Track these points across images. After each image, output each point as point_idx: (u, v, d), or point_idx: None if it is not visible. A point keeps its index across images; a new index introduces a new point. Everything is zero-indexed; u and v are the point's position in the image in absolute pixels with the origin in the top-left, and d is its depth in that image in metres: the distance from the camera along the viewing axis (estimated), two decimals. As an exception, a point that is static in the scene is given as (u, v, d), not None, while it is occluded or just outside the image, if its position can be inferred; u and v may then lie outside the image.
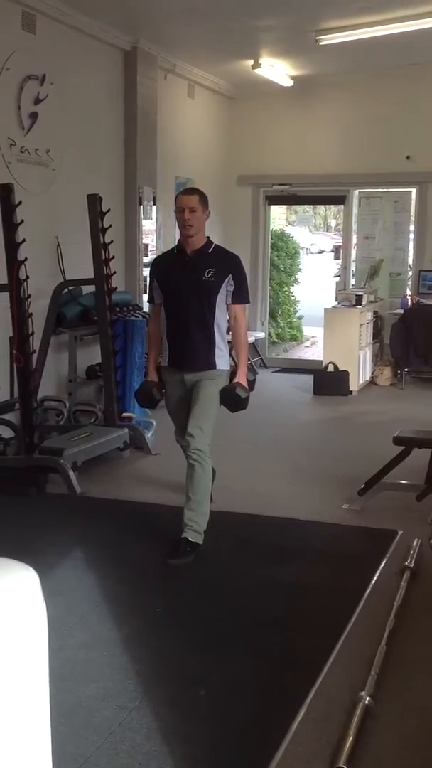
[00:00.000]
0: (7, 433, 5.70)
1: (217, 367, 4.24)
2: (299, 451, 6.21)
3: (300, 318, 12.69)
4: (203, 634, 3.27)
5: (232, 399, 4.22)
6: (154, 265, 4.68)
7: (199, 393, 4.17)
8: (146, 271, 7.86)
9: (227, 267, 4.24)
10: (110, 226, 6.01)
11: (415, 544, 4.11)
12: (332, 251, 21.16)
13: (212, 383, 4.20)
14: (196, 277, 4.18)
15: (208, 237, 4.32)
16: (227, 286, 4.22)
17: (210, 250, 4.27)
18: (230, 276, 4.22)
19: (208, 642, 3.21)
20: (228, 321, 4.32)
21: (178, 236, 4.40)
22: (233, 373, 4.29)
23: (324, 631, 3.27)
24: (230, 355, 4.39)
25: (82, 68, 6.94)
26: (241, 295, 4.30)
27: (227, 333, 4.35)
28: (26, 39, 6.12)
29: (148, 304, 4.65)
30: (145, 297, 7.76)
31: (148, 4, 6.67)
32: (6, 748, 1.23)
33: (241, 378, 4.25)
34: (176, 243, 4.40)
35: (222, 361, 4.27)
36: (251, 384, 4.42)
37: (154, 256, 5.49)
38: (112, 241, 6.02)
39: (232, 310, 4.28)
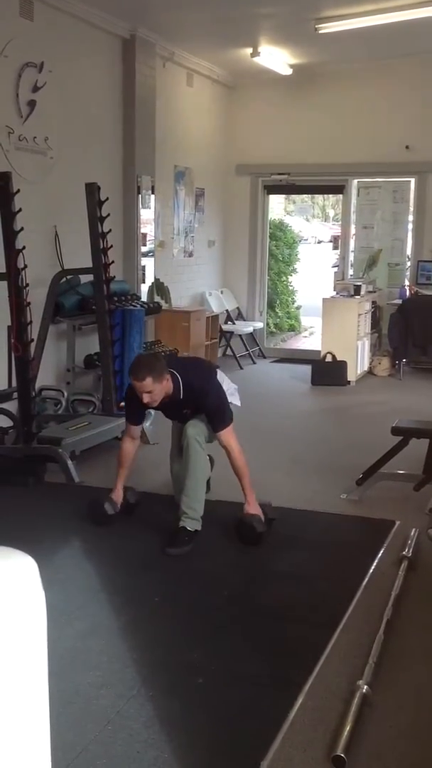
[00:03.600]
0: (5, 422, 5.69)
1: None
2: (297, 441, 6.21)
3: (298, 308, 12.68)
4: (201, 623, 3.28)
5: (248, 533, 4.02)
6: (132, 396, 4.13)
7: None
8: (144, 261, 7.87)
9: (199, 407, 4.14)
10: (108, 215, 5.99)
11: (412, 534, 4.12)
12: (330, 241, 21.12)
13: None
14: (176, 413, 4.30)
15: (176, 380, 4.05)
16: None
17: (181, 396, 4.08)
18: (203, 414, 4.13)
19: (206, 631, 3.22)
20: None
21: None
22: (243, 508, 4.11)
23: (322, 621, 3.28)
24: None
25: (81, 56, 6.90)
26: (222, 421, 4.10)
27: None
28: (24, 26, 6.09)
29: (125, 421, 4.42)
30: (144, 287, 7.83)
31: (147, -9, 6.65)
32: (5, 737, 1.24)
33: (250, 507, 4.08)
34: None
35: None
36: (269, 522, 4.12)
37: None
38: (110, 230, 6.00)
39: (219, 439, 4.11)
